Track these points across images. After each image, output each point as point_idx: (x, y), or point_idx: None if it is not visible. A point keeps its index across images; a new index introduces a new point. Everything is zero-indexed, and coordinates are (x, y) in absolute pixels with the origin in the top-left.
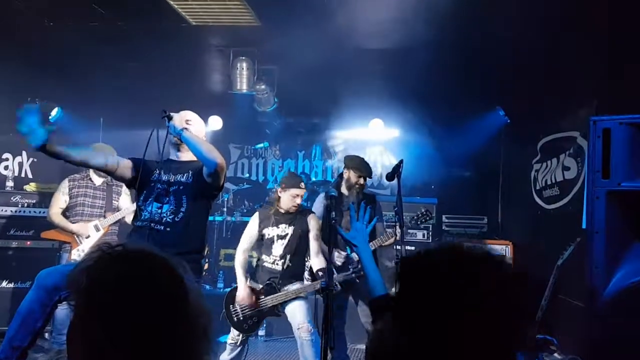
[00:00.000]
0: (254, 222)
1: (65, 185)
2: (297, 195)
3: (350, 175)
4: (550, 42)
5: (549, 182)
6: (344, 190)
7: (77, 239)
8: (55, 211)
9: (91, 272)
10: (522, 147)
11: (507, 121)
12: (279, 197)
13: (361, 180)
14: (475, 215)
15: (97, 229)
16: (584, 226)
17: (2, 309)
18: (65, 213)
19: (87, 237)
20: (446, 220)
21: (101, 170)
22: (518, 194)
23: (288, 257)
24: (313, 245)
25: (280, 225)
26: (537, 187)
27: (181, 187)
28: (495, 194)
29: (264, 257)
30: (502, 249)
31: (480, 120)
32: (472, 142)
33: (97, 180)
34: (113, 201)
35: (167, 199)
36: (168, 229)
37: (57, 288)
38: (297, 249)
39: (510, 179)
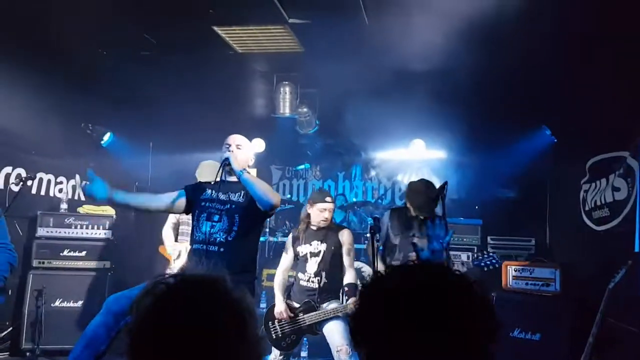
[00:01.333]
0: (288, 242)
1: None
2: (325, 209)
3: (412, 209)
4: (595, 60)
5: (598, 203)
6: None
7: (172, 258)
8: (165, 226)
9: (139, 307)
10: (569, 167)
11: (554, 140)
12: (309, 214)
13: (422, 217)
14: (522, 237)
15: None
16: (636, 249)
17: (56, 327)
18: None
19: (178, 257)
20: (491, 242)
21: (162, 211)
22: (566, 215)
23: (323, 274)
24: (345, 260)
25: (312, 243)
26: (587, 208)
27: (233, 206)
28: (542, 215)
29: (299, 275)
30: (551, 272)
31: (525, 139)
32: (517, 161)
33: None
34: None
35: (219, 217)
36: (222, 249)
37: (124, 313)
38: (332, 265)
39: (558, 199)
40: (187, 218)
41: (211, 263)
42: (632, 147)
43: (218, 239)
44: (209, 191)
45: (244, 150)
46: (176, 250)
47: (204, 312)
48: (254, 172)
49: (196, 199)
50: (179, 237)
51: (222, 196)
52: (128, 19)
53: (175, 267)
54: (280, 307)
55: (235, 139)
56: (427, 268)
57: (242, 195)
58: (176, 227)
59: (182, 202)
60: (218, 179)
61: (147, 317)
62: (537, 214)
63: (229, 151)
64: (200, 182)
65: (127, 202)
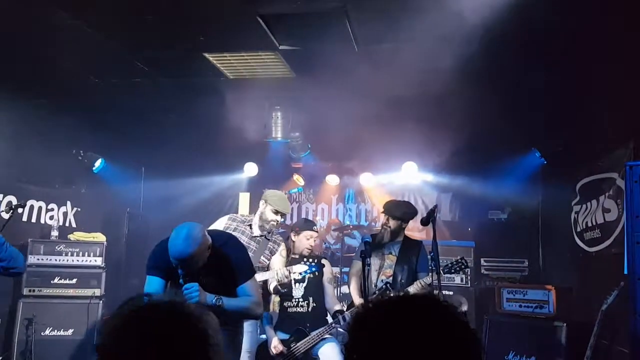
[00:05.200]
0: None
1: (222, 222)
2: (311, 237)
3: (382, 217)
4: (583, 83)
5: (589, 224)
6: (386, 236)
7: None
8: None
9: (107, 328)
10: (560, 189)
11: (544, 162)
12: (294, 242)
13: (386, 222)
14: (516, 259)
15: None
16: (625, 271)
17: (46, 356)
18: None
19: None
20: (485, 264)
21: None
22: (559, 237)
23: (311, 299)
24: (328, 288)
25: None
26: (578, 229)
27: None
28: (535, 237)
29: (285, 303)
30: (545, 294)
31: (516, 161)
32: (509, 184)
33: (257, 230)
34: (262, 257)
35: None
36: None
37: None
38: (317, 290)
39: (550, 221)
40: None
41: None
42: (620, 168)
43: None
44: (181, 279)
45: (198, 258)
46: None
47: (164, 335)
48: (246, 196)
49: (174, 275)
50: None
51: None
52: (119, 46)
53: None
54: (274, 342)
55: (183, 263)
56: (413, 301)
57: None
58: None
59: (166, 285)
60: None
61: (112, 338)
62: (529, 236)
63: (183, 278)
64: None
65: None
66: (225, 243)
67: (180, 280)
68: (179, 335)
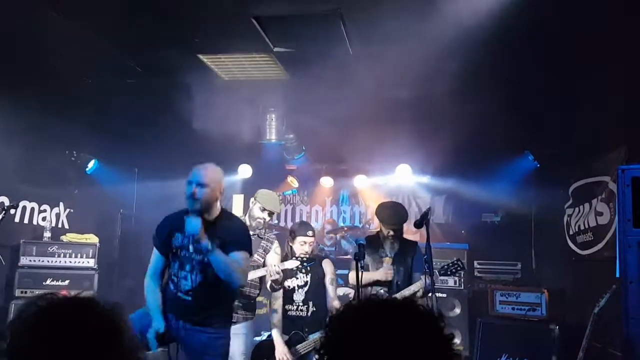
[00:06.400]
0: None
1: None
2: (305, 243)
3: (382, 227)
4: (577, 87)
5: (582, 228)
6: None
7: None
8: None
9: (13, 328)
10: (553, 192)
11: (537, 165)
12: (291, 247)
13: (391, 232)
14: (509, 261)
15: None
16: (617, 274)
17: None
18: None
19: None
20: (478, 266)
21: None
22: (551, 240)
23: (311, 303)
24: (330, 289)
25: (298, 275)
26: (571, 232)
27: (206, 260)
28: (528, 239)
29: (287, 306)
30: (537, 297)
31: (509, 164)
32: (502, 186)
33: (251, 230)
34: (255, 256)
35: (191, 267)
36: (190, 299)
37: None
38: (319, 294)
39: (543, 224)
40: None
41: (182, 311)
42: (613, 172)
43: (188, 287)
44: (180, 237)
45: (209, 188)
46: None
47: (72, 330)
48: (240, 198)
49: (168, 248)
50: None
51: (194, 245)
52: (113, 47)
53: None
54: (282, 349)
55: (198, 176)
56: (390, 304)
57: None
58: None
59: (165, 262)
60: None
61: (18, 338)
62: (522, 238)
63: (193, 199)
64: (169, 222)
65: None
66: (233, 216)
67: (179, 250)
68: (92, 326)
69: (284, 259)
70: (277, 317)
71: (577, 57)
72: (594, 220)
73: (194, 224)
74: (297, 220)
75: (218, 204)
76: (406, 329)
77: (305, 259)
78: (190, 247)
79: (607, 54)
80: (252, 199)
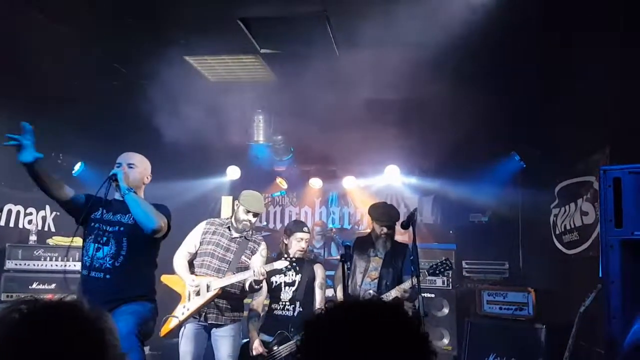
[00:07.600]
0: None
1: (201, 227)
2: (302, 239)
3: (374, 225)
4: (561, 88)
5: (568, 227)
6: (374, 237)
7: (187, 293)
8: (180, 254)
9: None
10: (539, 192)
11: (523, 166)
12: (286, 245)
13: (384, 230)
14: (496, 261)
15: (208, 289)
16: (600, 274)
17: None
18: (193, 262)
19: (197, 294)
20: (466, 266)
21: (58, 202)
22: (538, 239)
23: (298, 303)
24: (318, 293)
25: (287, 273)
26: (557, 232)
27: (122, 229)
28: (515, 239)
29: (272, 305)
30: (524, 296)
31: (496, 165)
32: (489, 187)
33: (235, 232)
34: (242, 257)
35: (107, 240)
36: (107, 277)
37: None
38: (306, 295)
39: (530, 223)
40: (213, 249)
41: (95, 291)
42: (597, 172)
43: (104, 264)
44: (100, 210)
45: (137, 170)
46: (194, 285)
47: (55, 338)
48: (229, 199)
49: (89, 214)
50: (197, 270)
51: (110, 216)
52: (100, 50)
53: (191, 305)
54: (255, 343)
55: (128, 157)
56: (371, 305)
57: (132, 216)
58: (192, 257)
59: (78, 206)
60: (103, 196)
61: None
62: (510, 238)
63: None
64: (99, 197)
65: (42, 176)
66: (158, 204)
67: (101, 213)
68: (77, 336)
69: (278, 257)
70: (254, 314)
71: (561, 58)
72: (579, 219)
73: (118, 171)
74: (287, 222)
75: (143, 191)
76: (380, 330)
77: (294, 259)
78: (109, 216)
79: (592, 55)
80: (235, 202)
